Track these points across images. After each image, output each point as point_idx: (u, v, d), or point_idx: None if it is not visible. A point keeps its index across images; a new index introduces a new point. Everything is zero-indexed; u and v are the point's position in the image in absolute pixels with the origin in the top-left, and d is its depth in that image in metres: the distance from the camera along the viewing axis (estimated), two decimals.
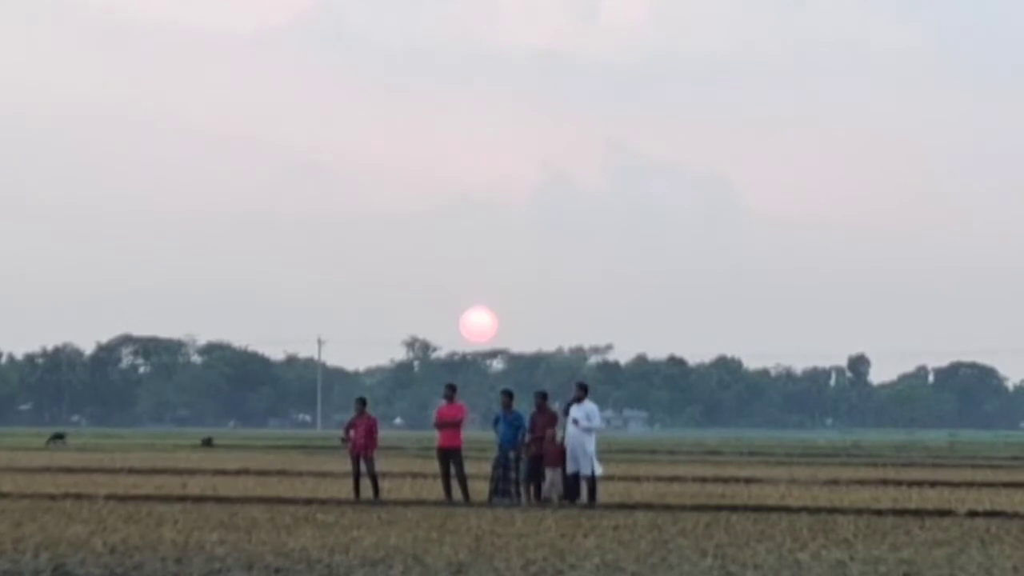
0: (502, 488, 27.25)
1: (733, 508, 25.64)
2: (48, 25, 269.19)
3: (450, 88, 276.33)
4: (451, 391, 29.16)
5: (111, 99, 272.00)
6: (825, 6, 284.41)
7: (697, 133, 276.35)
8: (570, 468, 26.82)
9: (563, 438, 27.06)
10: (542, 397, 28.18)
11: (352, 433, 29.21)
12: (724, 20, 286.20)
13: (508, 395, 28.42)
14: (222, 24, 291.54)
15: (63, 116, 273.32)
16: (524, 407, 28.30)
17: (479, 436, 50.63)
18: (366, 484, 28.45)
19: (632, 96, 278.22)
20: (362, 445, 28.79)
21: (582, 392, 27.37)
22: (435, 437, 29.05)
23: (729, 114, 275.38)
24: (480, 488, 27.90)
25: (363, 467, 28.59)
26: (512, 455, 27.37)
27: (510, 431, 27.51)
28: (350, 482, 28.91)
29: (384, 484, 28.87)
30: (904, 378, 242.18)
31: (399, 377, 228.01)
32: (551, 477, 26.96)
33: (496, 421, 27.94)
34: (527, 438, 27.25)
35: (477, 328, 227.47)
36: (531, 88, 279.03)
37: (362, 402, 30.03)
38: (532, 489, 27.11)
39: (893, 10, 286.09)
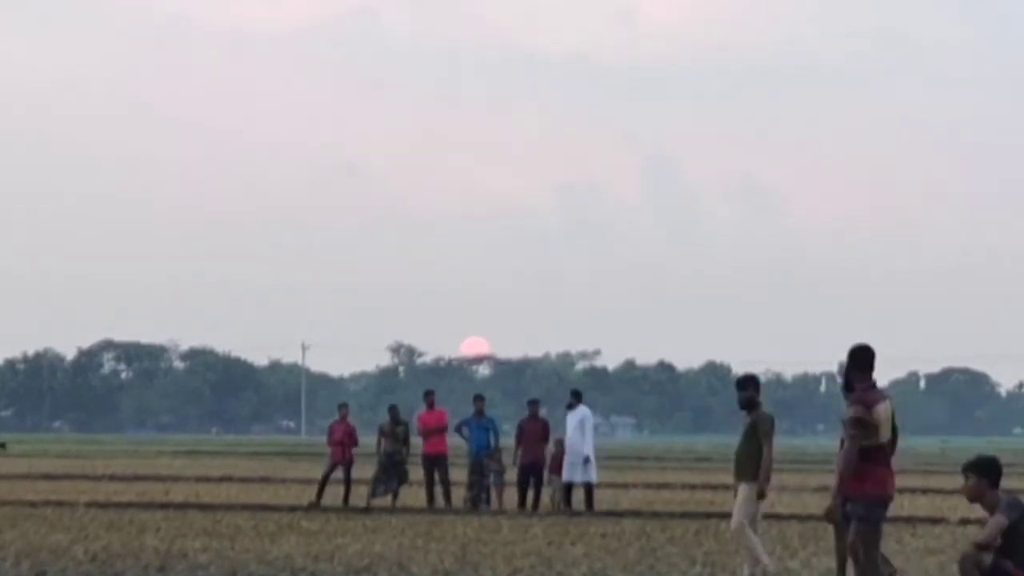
0: (476, 495, 27.27)
1: (723, 515, 25.43)
2: (59, 20, 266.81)
3: (451, 89, 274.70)
4: (431, 397, 29.21)
5: (103, 97, 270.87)
6: (865, 4, 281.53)
7: (700, 135, 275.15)
8: (566, 476, 26.66)
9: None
10: (534, 404, 28.12)
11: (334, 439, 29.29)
12: (759, 21, 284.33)
13: (480, 400, 28.49)
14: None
15: (58, 115, 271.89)
16: (500, 413, 28.38)
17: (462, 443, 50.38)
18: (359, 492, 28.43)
19: (639, 98, 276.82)
20: (340, 452, 28.79)
21: (575, 399, 27.20)
22: (418, 444, 28.86)
23: (748, 117, 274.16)
24: (458, 495, 27.85)
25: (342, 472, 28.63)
26: (486, 461, 27.36)
27: (484, 436, 27.55)
28: (336, 488, 28.79)
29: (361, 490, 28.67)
30: (895, 384, 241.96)
31: (384, 383, 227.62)
32: (554, 484, 26.91)
33: (460, 426, 27.94)
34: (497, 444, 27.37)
35: (474, 347, 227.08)
36: (554, 92, 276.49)
37: (343, 408, 30.22)
38: (525, 496, 27.05)
39: (938, 6, 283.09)
